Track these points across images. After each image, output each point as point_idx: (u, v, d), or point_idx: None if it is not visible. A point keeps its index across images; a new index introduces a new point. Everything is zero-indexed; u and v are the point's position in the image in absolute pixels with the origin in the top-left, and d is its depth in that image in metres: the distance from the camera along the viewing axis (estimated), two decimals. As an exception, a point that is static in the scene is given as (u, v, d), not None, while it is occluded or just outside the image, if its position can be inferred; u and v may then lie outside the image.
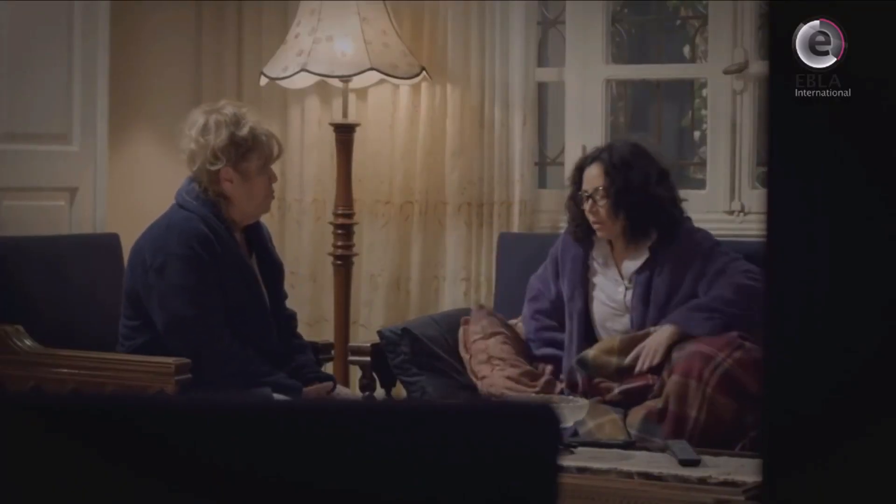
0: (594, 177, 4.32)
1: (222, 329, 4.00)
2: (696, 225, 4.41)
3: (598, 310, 4.38)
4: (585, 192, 4.33)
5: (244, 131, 4.10)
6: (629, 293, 4.32)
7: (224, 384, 3.93)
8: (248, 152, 4.10)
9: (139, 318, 4.08)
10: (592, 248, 4.41)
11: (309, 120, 5.44)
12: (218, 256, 4.03)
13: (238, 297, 4.06)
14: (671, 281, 4.26)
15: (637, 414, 4.08)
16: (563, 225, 5.20)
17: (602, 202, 4.29)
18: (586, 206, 4.32)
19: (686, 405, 3.98)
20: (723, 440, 3.91)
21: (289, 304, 4.41)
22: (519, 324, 4.63)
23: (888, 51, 1.40)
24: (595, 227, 4.33)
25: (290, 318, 4.35)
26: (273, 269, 4.27)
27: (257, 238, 4.25)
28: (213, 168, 4.07)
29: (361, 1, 5.03)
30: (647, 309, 4.28)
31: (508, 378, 4.36)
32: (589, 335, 4.39)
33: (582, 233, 4.40)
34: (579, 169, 4.41)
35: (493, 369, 4.40)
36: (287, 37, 5.15)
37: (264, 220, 4.38)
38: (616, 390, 4.18)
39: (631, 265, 4.33)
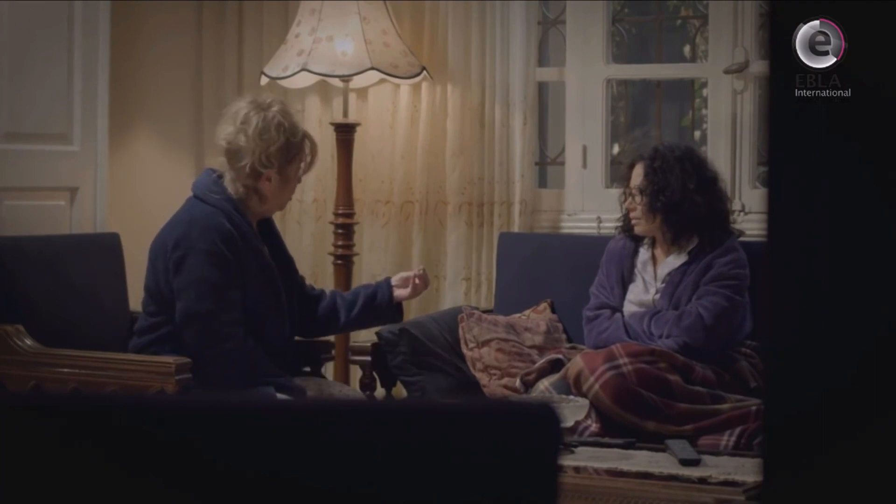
0: (637, 175, 4.43)
1: (238, 325, 4.00)
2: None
3: (627, 309, 4.43)
4: (629, 189, 4.44)
5: (298, 138, 4.11)
6: (658, 294, 4.37)
7: (229, 381, 3.93)
8: (295, 157, 4.11)
9: (162, 313, 4.07)
10: (637, 251, 4.49)
11: (309, 119, 5.43)
12: (240, 253, 4.03)
13: (257, 293, 4.06)
14: (694, 286, 4.31)
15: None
16: (564, 224, 5.23)
17: (639, 199, 4.38)
18: (627, 202, 4.44)
19: (579, 390, 4.15)
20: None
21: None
22: (521, 317, 4.67)
23: (888, 51, 1.40)
24: (633, 222, 4.44)
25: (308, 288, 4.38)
26: (287, 262, 4.27)
27: (269, 231, 4.26)
28: (263, 170, 4.07)
29: (362, 1, 5.03)
30: (669, 308, 4.33)
31: (506, 387, 4.41)
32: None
33: (627, 228, 4.51)
34: (630, 166, 4.49)
35: (490, 379, 4.47)
36: (287, 36, 5.15)
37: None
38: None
39: (667, 267, 4.37)
